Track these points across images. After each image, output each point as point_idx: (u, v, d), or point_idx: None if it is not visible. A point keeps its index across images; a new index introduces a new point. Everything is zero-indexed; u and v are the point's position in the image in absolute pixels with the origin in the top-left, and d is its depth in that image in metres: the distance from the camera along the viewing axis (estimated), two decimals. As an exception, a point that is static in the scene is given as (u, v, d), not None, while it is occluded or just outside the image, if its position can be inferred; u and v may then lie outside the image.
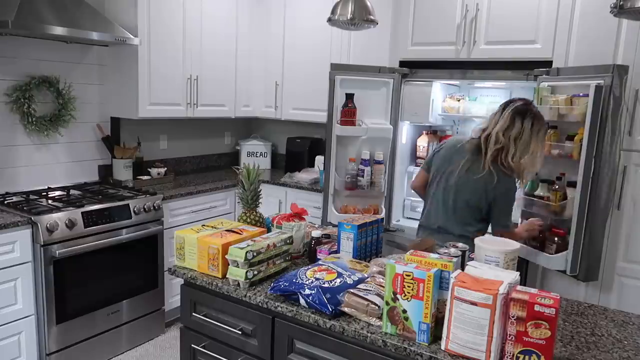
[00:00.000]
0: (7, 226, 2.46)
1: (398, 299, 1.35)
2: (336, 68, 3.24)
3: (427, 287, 1.31)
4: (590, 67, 2.51)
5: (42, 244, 2.57)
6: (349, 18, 2.30)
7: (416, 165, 3.58)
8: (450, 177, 2.25)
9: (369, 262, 1.80)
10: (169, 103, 3.54)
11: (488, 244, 1.57)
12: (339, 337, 1.46)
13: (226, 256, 1.66)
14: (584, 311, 1.64)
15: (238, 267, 1.65)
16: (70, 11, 2.91)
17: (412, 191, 2.66)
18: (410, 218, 3.57)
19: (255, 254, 1.65)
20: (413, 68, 3.26)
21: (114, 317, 3.01)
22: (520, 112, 2.13)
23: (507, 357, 1.23)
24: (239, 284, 1.66)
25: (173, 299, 3.36)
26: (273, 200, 3.88)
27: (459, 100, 3.38)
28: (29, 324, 2.62)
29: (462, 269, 1.45)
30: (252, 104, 4.24)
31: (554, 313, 1.17)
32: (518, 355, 1.21)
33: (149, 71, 3.36)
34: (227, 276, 1.68)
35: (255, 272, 1.67)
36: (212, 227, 1.90)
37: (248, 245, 1.66)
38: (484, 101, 3.43)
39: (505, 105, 2.19)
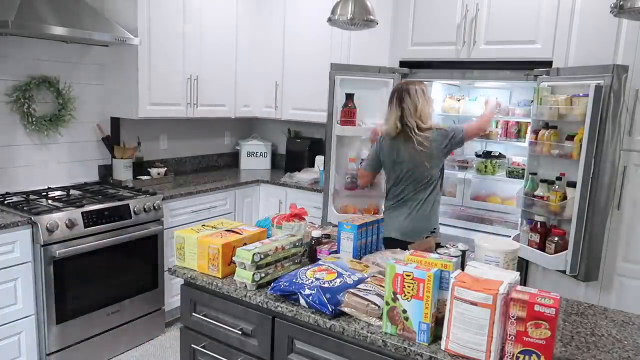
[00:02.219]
0: (7, 226, 2.46)
1: (398, 299, 1.35)
2: (336, 68, 3.24)
3: (427, 287, 1.31)
4: (590, 67, 2.51)
5: (42, 244, 2.57)
6: (349, 18, 2.30)
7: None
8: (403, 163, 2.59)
9: (368, 262, 1.80)
10: (169, 103, 3.54)
11: (488, 244, 1.57)
12: (339, 337, 1.46)
13: (234, 258, 1.65)
14: (584, 311, 1.64)
15: (245, 270, 1.63)
16: (70, 11, 2.91)
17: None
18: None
19: (262, 256, 1.63)
20: (413, 68, 3.26)
21: (114, 317, 3.01)
22: (396, 92, 2.61)
23: (507, 357, 1.23)
24: (246, 286, 1.65)
25: (173, 299, 3.36)
26: (273, 200, 3.87)
27: (459, 100, 3.38)
28: (29, 324, 2.62)
29: (462, 269, 1.45)
30: (252, 104, 4.24)
31: (554, 313, 1.17)
32: (518, 355, 1.21)
33: (149, 71, 3.36)
34: (234, 278, 1.67)
35: (263, 275, 1.65)
36: (212, 227, 1.90)
37: (256, 248, 1.64)
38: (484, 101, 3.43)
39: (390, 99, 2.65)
